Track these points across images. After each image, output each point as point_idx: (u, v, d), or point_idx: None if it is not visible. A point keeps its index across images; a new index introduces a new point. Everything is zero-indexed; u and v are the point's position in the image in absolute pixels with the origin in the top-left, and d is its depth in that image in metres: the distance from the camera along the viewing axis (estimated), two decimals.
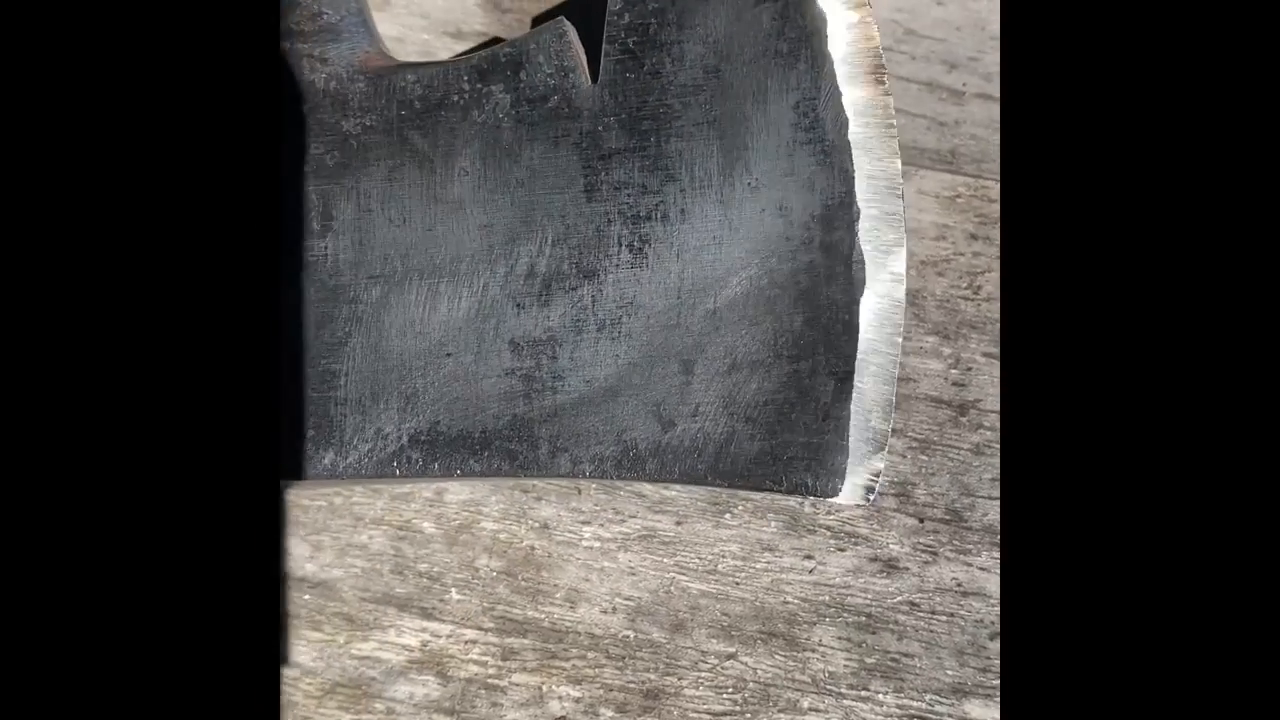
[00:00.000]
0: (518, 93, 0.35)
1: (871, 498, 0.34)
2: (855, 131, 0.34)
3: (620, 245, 0.34)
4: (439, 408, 0.35)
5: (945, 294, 0.41)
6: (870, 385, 0.34)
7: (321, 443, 0.35)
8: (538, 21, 0.41)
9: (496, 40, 0.41)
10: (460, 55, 0.39)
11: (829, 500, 0.35)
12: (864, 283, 0.34)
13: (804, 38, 0.34)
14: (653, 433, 0.34)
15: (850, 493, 0.34)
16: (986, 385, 0.40)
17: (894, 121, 0.34)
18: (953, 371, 0.41)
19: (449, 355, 0.35)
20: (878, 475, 0.34)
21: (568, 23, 0.35)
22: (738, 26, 0.34)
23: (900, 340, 0.34)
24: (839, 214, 0.34)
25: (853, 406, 0.34)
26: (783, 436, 0.34)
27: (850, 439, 0.34)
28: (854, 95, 0.34)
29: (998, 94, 0.41)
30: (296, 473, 0.35)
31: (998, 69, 0.41)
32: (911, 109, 0.41)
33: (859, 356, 0.34)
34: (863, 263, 0.34)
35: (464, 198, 0.35)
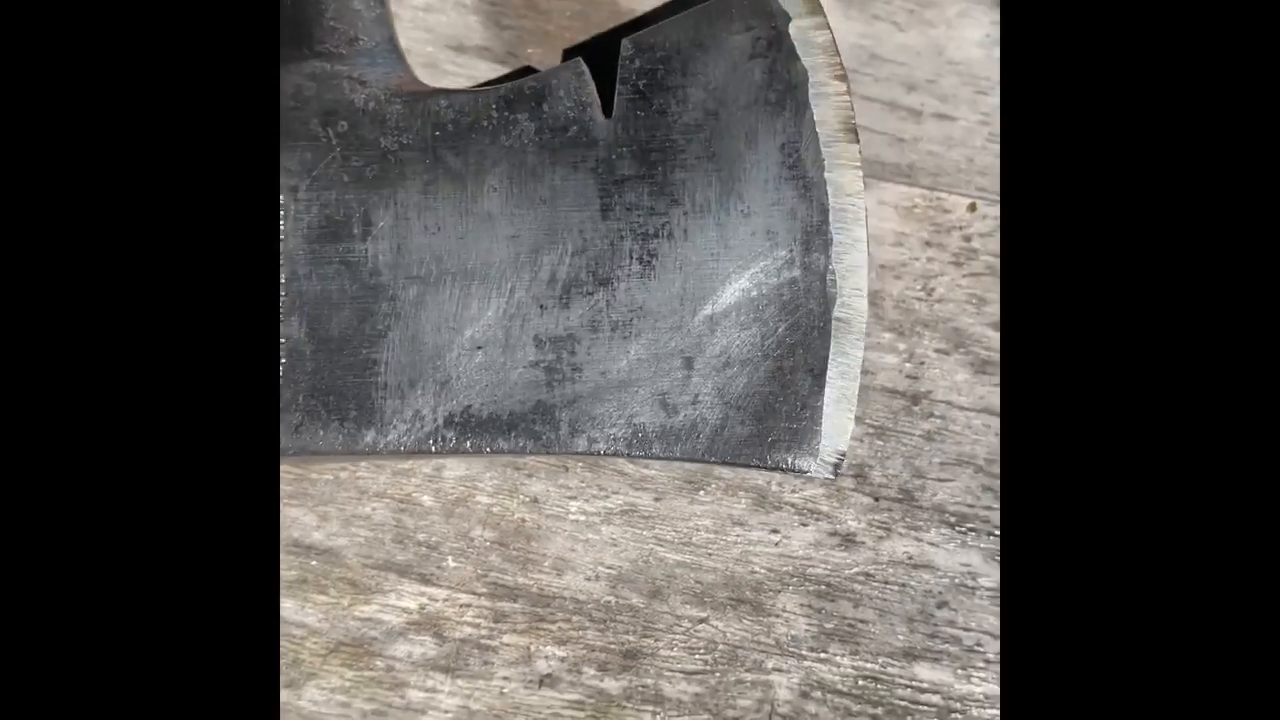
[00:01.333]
0: (541, 121, 0.38)
1: (838, 474, 0.38)
2: (830, 172, 0.38)
3: (631, 258, 0.38)
4: (471, 394, 0.37)
5: (901, 295, 0.42)
6: (839, 381, 0.38)
7: (364, 422, 0.37)
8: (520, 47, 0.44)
9: (517, 69, 0.43)
10: (486, 85, 0.41)
11: (801, 476, 0.39)
12: (835, 297, 0.37)
13: (789, 90, 0.38)
14: (658, 418, 0.38)
15: (820, 469, 0.38)
16: (937, 378, 0.42)
17: (860, 166, 0.38)
18: (907, 365, 0.42)
19: (479, 349, 0.37)
20: (844, 455, 0.38)
21: (584, 63, 0.38)
22: (733, 77, 0.38)
23: (862, 345, 0.38)
24: (815, 239, 0.37)
25: (825, 398, 0.38)
26: (768, 423, 0.38)
27: (823, 426, 0.38)
28: (829, 141, 0.38)
29: (953, 114, 0.42)
30: (339, 448, 0.38)
31: (953, 91, 0.42)
32: (874, 127, 0.42)
33: (830, 358, 0.38)
34: (834, 280, 0.38)
35: (493, 211, 0.38)
